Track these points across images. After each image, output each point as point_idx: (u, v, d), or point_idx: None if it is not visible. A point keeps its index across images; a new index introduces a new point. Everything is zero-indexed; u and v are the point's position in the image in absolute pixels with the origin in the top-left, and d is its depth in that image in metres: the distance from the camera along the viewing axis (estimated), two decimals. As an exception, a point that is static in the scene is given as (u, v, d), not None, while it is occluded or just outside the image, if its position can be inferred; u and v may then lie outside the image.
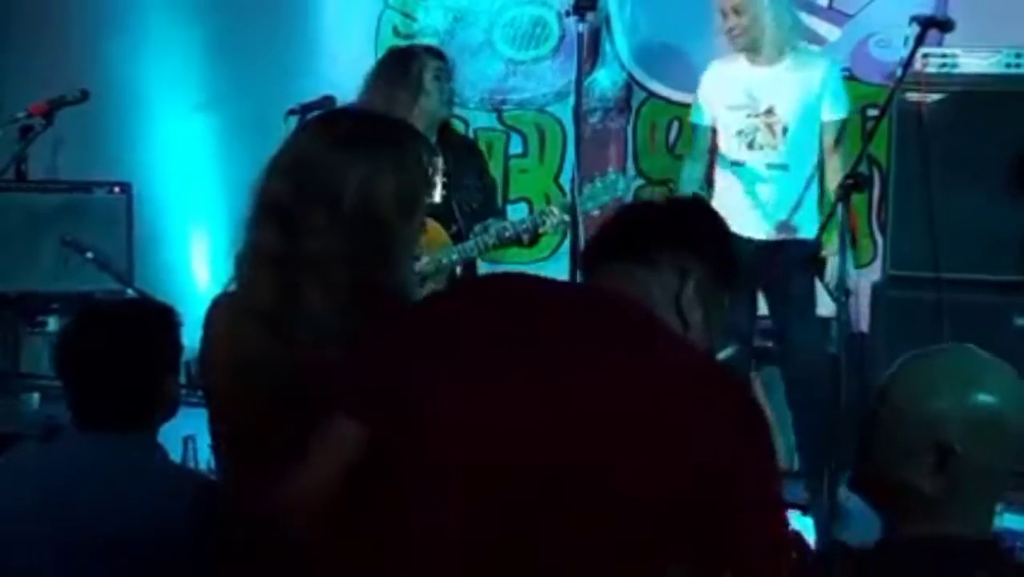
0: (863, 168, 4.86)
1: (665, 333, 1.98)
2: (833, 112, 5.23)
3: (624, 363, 1.86)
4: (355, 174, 2.26)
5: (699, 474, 1.79)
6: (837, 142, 5.23)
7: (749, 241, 5.06)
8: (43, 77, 6.30)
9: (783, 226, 5.20)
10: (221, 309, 2.36)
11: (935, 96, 5.35)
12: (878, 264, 5.81)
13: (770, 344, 5.45)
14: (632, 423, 1.80)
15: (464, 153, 5.19)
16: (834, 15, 6.22)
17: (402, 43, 6.61)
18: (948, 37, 5.17)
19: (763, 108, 5.18)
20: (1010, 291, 5.23)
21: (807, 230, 5.15)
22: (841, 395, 4.32)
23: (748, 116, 5.18)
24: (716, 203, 4.89)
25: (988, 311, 5.16)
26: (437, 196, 4.62)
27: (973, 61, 5.39)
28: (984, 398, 1.97)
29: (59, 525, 2.49)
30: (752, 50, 5.19)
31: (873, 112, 5.73)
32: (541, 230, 4.86)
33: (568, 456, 1.78)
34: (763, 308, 5.55)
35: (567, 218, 4.74)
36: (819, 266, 4.81)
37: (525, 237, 4.89)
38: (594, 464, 1.78)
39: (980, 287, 5.23)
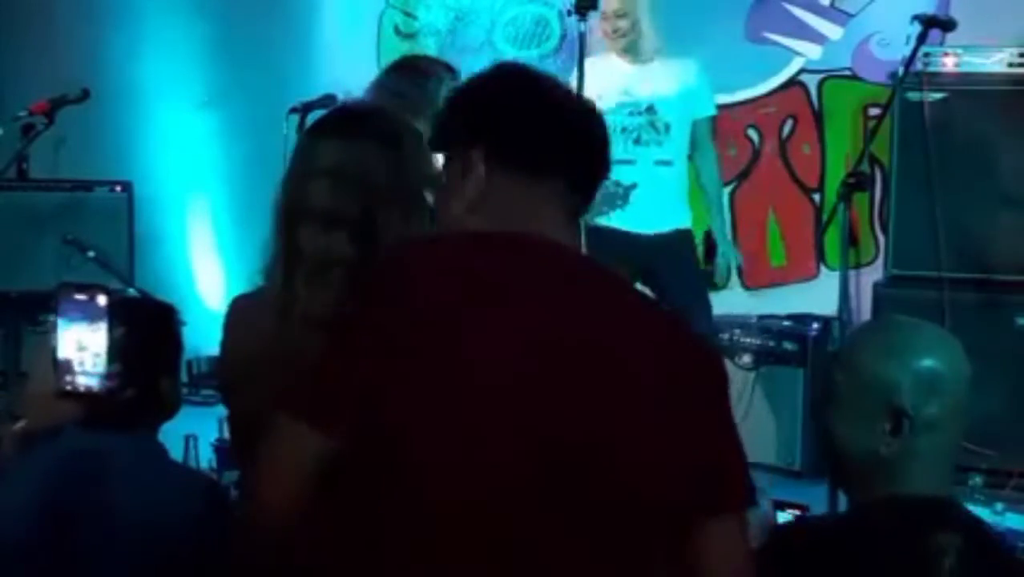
0: (865, 167, 4.87)
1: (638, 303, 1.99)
2: (705, 109, 5.40)
3: (599, 347, 1.82)
4: (406, 170, 2.28)
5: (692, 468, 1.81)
6: (710, 138, 5.45)
7: (640, 236, 5.13)
8: (44, 76, 6.30)
9: (671, 219, 5.25)
10: (253, 309, 2.38)
11: (937, 95, 5.35)
12: (880, 263, 5.81)
13: (785, 344, 5.44)
14: (623, 412, 1.80)
15: None
16: (836, 14, 6.22)
17: (403, 42, 6.62)
18: (950, 36, 5.17)
19: (644, 106, 5.23)
20: (1011, 290, 5.23)
21: (688, 221, 5.33)
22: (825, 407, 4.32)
23: (631, 114, 5.20)
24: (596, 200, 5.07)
25: (989, 310, 5.16)
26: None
27: (975, 60, 5.39)
28: (928, 362, 2.06)
29: (59, 524, 2.48)
30: (631, 52, 5.26)
31: (875, 111, 5.73)
32: None
33: (561, 444, 1.77)
34: (770, 308, 5.57)
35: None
36: (710, 254, 5.10)
37: None
38: (588, 452, 1.78)
39: (981, 286, 5.23)
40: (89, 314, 2.18)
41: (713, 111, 5.44)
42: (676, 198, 5.34)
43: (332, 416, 1.79)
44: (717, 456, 1.86)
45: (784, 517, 2.46)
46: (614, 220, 5.18)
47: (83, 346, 2.17)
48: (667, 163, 5.31)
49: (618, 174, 5.17)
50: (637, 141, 5.27)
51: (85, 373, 2.17)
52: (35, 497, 2.51)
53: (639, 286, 4.86)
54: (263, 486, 1.87)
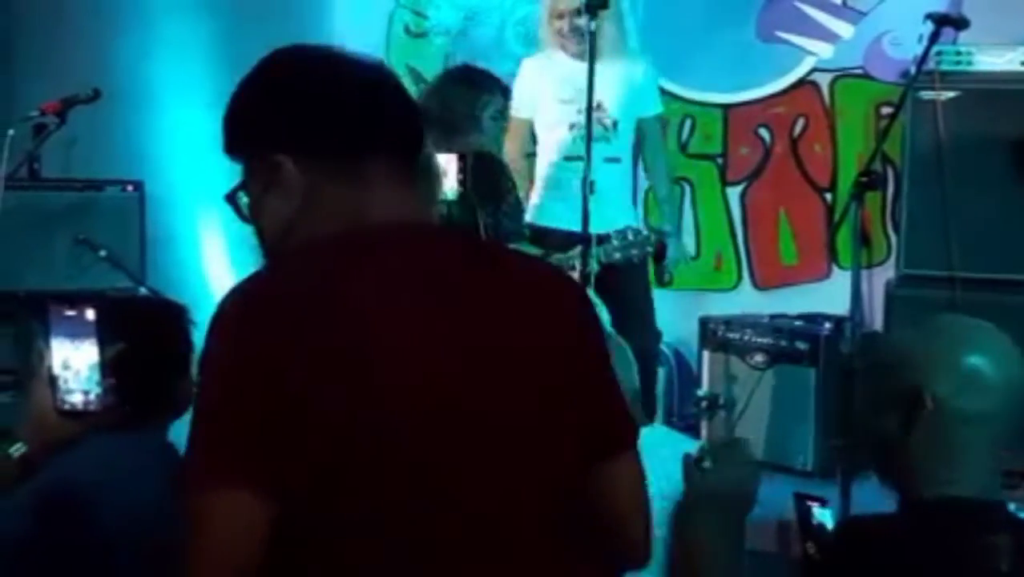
0: (877, 166, 4.86)
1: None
2: (653, 108, 5.49)
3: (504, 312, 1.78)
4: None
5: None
6: (660, 136, 5.62)
7: (589, 235, 5.06)
8: (56, 76, 6.30)
9: (620, 217, 5.22)
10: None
11: (949, 94, 5.34)
12: (891, 262, 5.79)
13: (797, 344, 5.43)
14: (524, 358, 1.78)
15: (496, 177, 5.21)
16: (848, 13, 6.20)
17: (413, 41, 6.62)
18: (962, 35, 5.16)
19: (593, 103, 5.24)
20: (1024, 290, 5.22)
21: (633, 218, 5.47)
22: (855, 393, 4.31)
23: (580, 111, 5.18)
24: (547, 197, 5.34)
25: (1001, 310, 5.14)
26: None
27: (987, 59, 5.38)
28: (969, 356, 2.05)
29: (70, 524, 2.49)
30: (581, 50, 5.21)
31: (887, 110, 5.71)
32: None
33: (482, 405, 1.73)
34: (781, 307, 5.57)
35: (592, 269, 4.76)
36: (660, 251, 5.15)
37: None
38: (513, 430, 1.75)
39: (993, 286, 5.22)
40: (80, 330, 2.14)
41: (660, 110, 5.55)
42: (625, 195, 5.46)
43: (277, 474, 1.62)
44: (610, 401, 1.87)
45: (819, 512, 2.45)
46: (562, 217, 5.18)
47: (77, 363, 2.14)
48: (616, 160, 5.37)
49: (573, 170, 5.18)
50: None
51: (82, 390, 2.14)
52: (40, 495, 2.51)
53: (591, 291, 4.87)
54: None
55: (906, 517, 2.09)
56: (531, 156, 5.49)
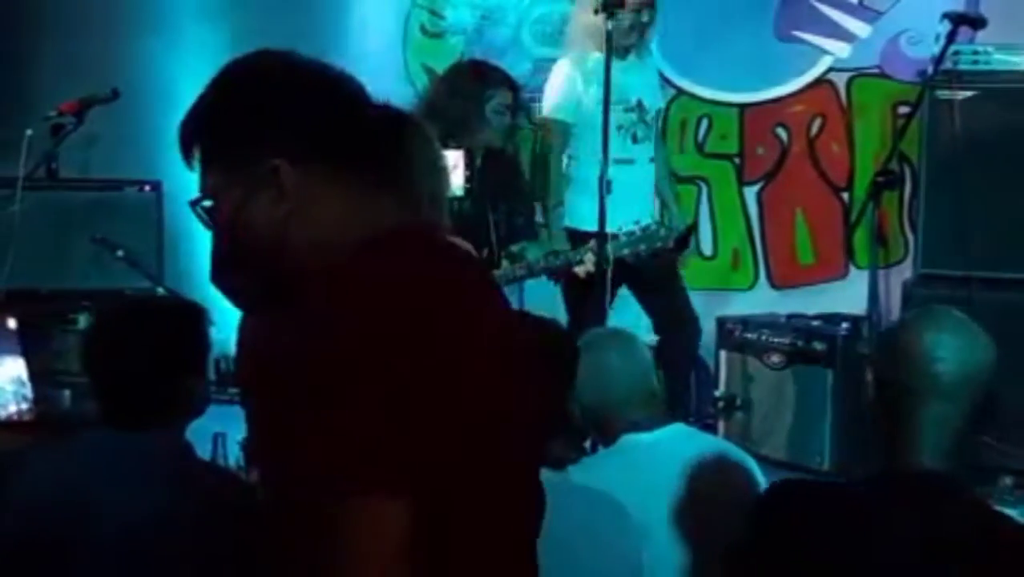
0: (894, 166, 4.85)
1: None
2: (662, 102, 5.56)
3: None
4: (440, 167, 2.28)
5: None
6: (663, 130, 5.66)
7: (605, 233, 5.00)
8: (74, 76, 6.32)
9: (646, 212, 5.26)
10: None
11: (966, 93, 5.33)
12: (908, 262, 5.79)
13: (814, 344, 5.42)
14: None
15: (509, 176, 5.21)
16: (865, 12, 6.19)
17: (430, 41, 6.62)
18: (980, 34, 5.15)
19: (634, 102, 5.21)
20: (1042, 289, 5.21)
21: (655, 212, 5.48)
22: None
23: (624, 111, 5.17)
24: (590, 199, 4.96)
25: (1019, 310, 5.13)
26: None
27: (1005, 58, 5.36)
28: (926, 336, 2.20)
29: (80, 521, 2.49)
30: (633, 48, 5.23)
31: (905, 109, 5.70)
32: (574, 271, 4.85)
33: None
34: (799, 307, 5.56)
35: (606, 266, 4.74)
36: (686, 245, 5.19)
37: (555, 273, 4.90)
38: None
39: (1011, 285, 5.21)
40: (4, 343, 2.12)
41: (663, 104, 5.63)
42: (651, 191, 5.47)
43: (419, 474, 1.55)
44: None
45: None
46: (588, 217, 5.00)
47: (2, 378, 2.11)
48: (654, 160, 5.41)
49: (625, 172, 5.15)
50: (635, 140, 5.26)
51: (14, 401, 2.12)
52: (58, 493, 2.52)
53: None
54: None
55: (849, 486, 2.31)
56: (571, 158, 5.36)
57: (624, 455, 3.03)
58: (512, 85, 5.16)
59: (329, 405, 1.53)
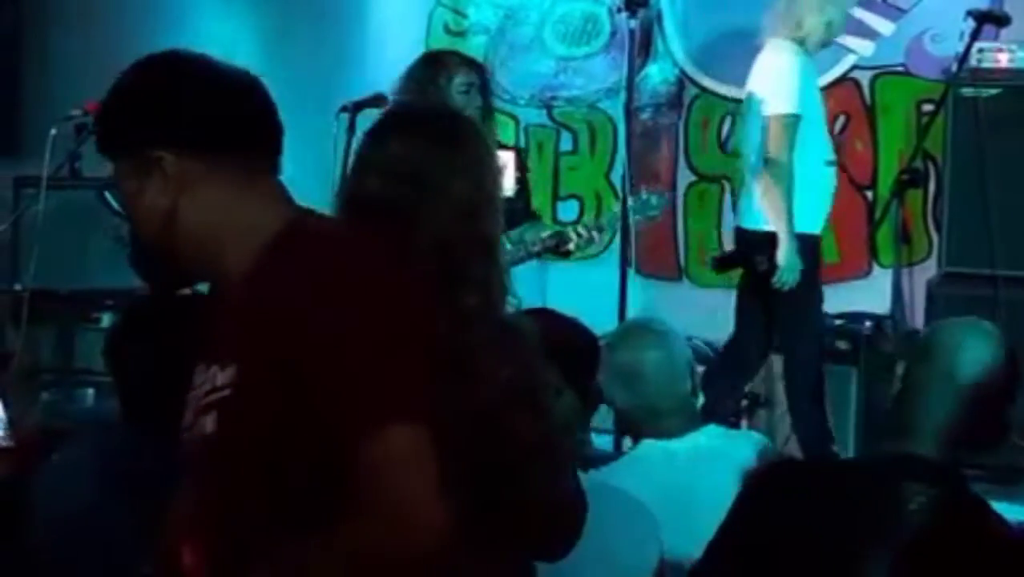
0: (918, 164, 4.84)
1: None
2: None
3: None
4: (465, 170, 2.27)
5: None
6: None
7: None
8: (97, 75, 6.34)
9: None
10: None
11: (991, 91, 5.31)
12: (932, 260, 5.76)
13: (838, 343, 5.41)
14: None
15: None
16: (889, 10, 6.17)
17: (453, 40, 6.62)
18: (1004, 32, 5.13)
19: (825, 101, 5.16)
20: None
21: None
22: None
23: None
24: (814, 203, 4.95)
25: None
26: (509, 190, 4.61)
27: (1029, 55, 5.34)
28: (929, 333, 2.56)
29: (106, 521, 2.50)
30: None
31: (929, 107, 5.68)
32: (563, 248, 4.85)
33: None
34: (825, 306, 5.53)
35: (595, 235, 4.72)
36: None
37: (548, 248, 4.91)
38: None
39: (1036, 284, 5.19)
40: None
41: None
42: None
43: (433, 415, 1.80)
44: None
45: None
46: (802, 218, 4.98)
47: None
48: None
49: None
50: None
51: None
52: (86, 493, 2.53)
53: None
54: (429, 512, 1.75)
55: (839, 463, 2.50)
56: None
57: (639, 463, 3.00)
58: (474, 66, 5.09)
59: (369, 343, 1.77)
